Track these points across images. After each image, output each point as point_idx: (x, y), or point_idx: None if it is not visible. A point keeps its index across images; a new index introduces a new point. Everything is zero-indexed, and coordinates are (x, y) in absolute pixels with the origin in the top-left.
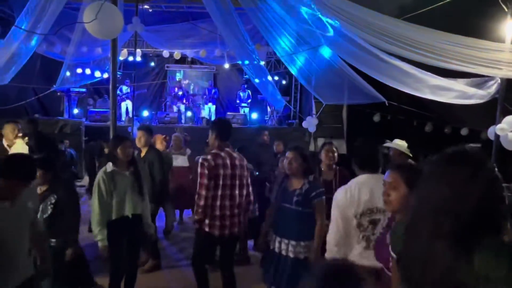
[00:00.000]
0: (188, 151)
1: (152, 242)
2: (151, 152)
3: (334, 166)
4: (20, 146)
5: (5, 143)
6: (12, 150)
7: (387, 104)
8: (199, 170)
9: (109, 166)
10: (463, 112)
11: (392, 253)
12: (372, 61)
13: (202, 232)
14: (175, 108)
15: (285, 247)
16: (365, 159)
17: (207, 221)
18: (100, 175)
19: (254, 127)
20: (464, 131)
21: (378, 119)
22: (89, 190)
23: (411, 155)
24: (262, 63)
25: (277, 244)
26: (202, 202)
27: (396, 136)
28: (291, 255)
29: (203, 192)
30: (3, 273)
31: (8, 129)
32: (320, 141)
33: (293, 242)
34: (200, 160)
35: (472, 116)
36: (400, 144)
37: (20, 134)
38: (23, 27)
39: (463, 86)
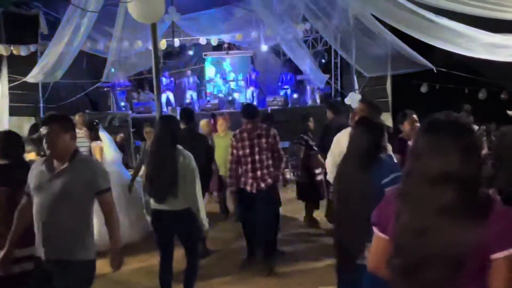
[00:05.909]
0: None
1: None
2: None
3: None
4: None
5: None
6: None
7: (435, 71)
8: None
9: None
10: None
11: None
12: (419, 22)
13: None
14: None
15: None
16: None
17: None
18: (192, 159)
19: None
20: None
21: (425, 90)
22: None
23: None
24: (300, 38)
25: None
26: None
27: (446, 107)
28: None
29: None
30: None
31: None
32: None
33: None
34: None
35: None
36: None
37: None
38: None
39: None
